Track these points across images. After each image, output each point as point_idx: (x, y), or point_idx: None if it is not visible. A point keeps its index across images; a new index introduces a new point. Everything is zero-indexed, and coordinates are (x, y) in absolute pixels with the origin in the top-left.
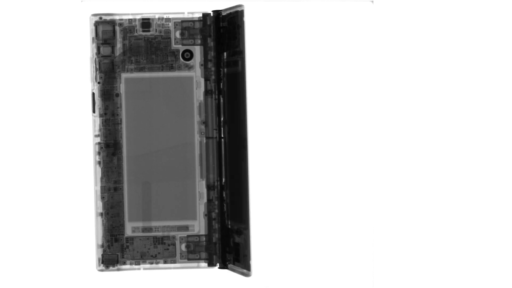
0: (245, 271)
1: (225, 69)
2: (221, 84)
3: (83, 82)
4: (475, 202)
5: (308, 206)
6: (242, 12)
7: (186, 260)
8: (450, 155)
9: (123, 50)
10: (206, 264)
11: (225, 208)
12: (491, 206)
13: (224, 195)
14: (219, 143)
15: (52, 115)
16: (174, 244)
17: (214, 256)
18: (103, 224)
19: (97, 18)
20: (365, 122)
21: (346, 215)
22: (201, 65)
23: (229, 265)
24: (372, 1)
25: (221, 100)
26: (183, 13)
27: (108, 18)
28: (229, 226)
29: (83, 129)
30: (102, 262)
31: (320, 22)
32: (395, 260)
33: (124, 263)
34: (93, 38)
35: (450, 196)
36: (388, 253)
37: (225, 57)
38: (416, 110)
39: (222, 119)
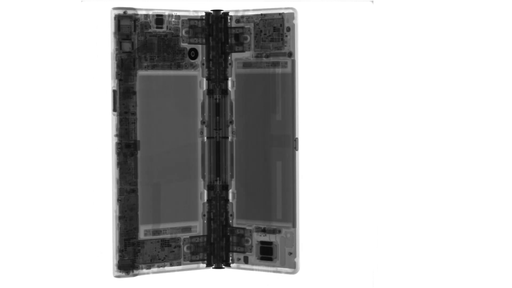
0: (288, 269)
1: (249, 70)
2: (228, 83)
3: (84, 82)
4: (475, 203)
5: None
6: (292, 14)
7: (188, 262)
8: (450, 156)
9: (139, 46)
10: (205, 265)
11: (229, 208)
12: (491, 206)
13: (228, 195)
14: (218, 143)
15: (52, 114)
16: (179, 246)
17: (212, 256)
18: (119, 228)
19: (119, 12)
20: (364, 121)
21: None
22: (202, 64)
23: (244, 265)
24: (372, 1)
25: (227, 100)
26: (189, 11)
27: (130, 12)
28: (236, 225)
29: (82, 129)
30: (119, 268)
31: (320, 22)
32: (396, 260)
33: (137, 268)
34: (114, 33)
35: (450, 198)
36: (390, 253)
37: (251, 57)
38: (416, 110)
39: (228, 118)
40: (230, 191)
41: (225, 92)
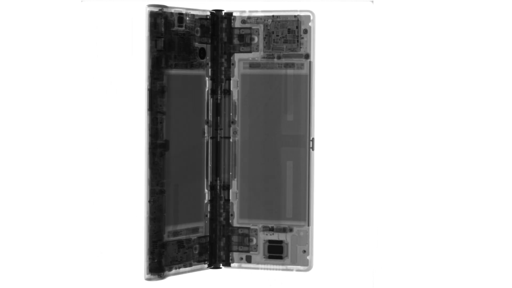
0: (300, 267)
1: (257, 70)
2: (230, 83)
3: (83, 82)
4: (475, 204)
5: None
6: (308, 17)
7: (196, 262)
8: (449, 156)
9: (167, 44)
10: (206, 265)
11: (231, 207)
12: (491, 206)
13: (229, 195)
14: (217, 143)
15: (49, 114)
16: (191, 247)
17: (211, 256)
18: (149, 230)
19: (154, 9)
20: (364, 121)
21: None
22: (207, 64)
23: (246, 264)
24: (372, 1)
25: (230, 100)
26: (197, 10)
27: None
28: (238, 225)
29: (83, 129)
30: (150, 271)
31: (320, 22)
32: (395, 260)
33: (164, 270)
34: (149, 31)
35: (450, 199)
36: (389, 253)
37: (260, 58)
38: (416, 110)
39: (230, 118)
40: (231, 191)
41: (227, 92)
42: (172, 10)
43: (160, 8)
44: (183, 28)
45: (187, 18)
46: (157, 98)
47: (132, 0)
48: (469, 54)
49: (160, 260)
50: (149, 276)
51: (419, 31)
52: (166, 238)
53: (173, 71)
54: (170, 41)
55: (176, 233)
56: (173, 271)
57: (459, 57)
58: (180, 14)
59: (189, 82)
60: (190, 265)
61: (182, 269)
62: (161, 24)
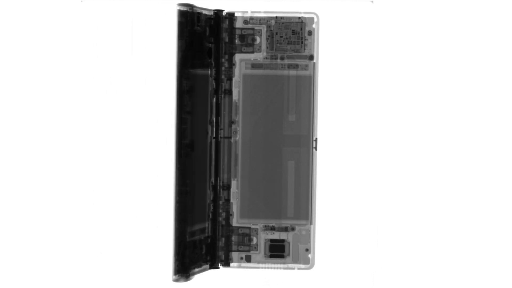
0: (302, 265)
1: (260, 71)
2: (232, 84)
3: (83, 82)
4: (476, 204)
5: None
6: (312, 19)
7: (204, 263)
8: (451, 156)
9: (190, 44)
10: (208, 266)
11: (230, 207)
12: (492, 208)
13: (229, 195)
14: (218, 143)
15: (48, 114)
16: (201, 248)
17: (209, 256)
18: (176, 230)
19: (183, 8)
20: (364, 122)
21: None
22: (211, 64)
23: (246, 264)
24: (372, 1)
25: (231, 100)
26: (206, 9)
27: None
28: (238, 225)
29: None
30: (178, 272)
31: (319, 22)
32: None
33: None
34: (179, 31)
35: (451, 199)
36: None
37: (262, 58)
38: (416, 110)
39: (231, 118)
40: (231, 191)
41: (228, 92)
42: (196, 10)
43: (190, 7)
44: (199, 28)
45: (200, 17)
46: (184, 98)
47: (132, 0)
48: (470, 53)
49: (185, 261)
50: (176, 277)
51: (420, 31)
52: (188, 238)
53: (194, 71)
54: (192, 40)
55: (192, 234)
56: (191, 271)
57: (459, 57)
58: (198, 13)
59: (201, 82)
60: (200, 266)
61: (196, 270)
62: (188, 24)
